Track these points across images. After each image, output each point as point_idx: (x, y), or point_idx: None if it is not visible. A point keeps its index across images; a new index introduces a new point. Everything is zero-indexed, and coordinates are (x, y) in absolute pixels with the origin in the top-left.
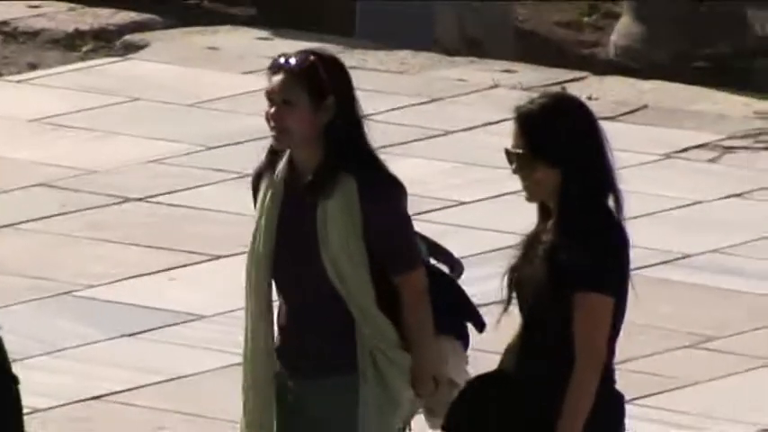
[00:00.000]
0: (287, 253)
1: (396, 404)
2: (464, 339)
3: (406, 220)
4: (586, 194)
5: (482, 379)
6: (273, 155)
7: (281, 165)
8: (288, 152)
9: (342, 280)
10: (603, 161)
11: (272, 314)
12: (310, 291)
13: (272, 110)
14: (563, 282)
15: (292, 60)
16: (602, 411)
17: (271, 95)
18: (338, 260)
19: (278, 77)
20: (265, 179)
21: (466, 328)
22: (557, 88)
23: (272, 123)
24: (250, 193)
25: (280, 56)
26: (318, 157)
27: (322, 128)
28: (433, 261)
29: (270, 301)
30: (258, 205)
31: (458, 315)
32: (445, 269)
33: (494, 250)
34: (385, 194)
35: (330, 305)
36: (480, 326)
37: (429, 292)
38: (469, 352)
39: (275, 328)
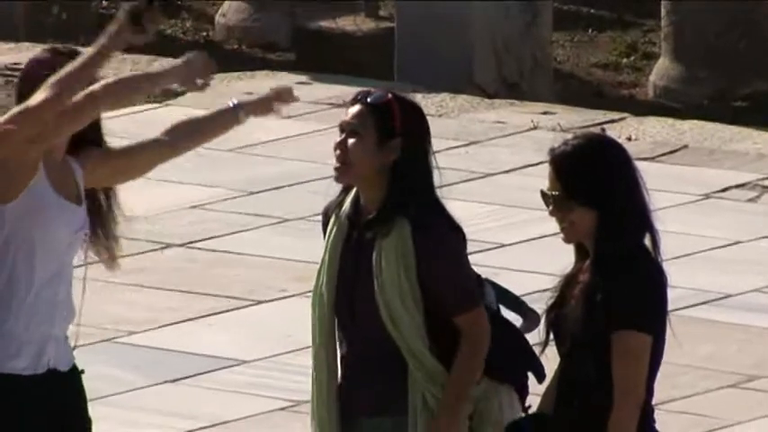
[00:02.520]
0: (346, 291)
1: None
2: (524, 390)
3: (461, 263)
4: (622, 234)
5: (521, 421)
6: (345, 192)
7: (348, 203)
8: (355, 190)
9: (393, 322)
10: (639, 201)
11: (336, 350)
12: (367, 329)
13: (339, 139)
14: (601, 322)
15: (371, 96)
16: None
17: (343, 124)
18: (391, 302)
19: (353, 109)
20: (333, 216)
21: (527, 377)
22: (596, 129)
23: (337, 152)
24: (292, 237)
25: (362, 90)
26: (382, 196)
27: (385, 167)
28: (502, 308)
29: (333, 337)
30: (324, 242)
31: (520, 365)
32: (513, 317)
33: (534, 292)
34: (439, 237)
35: (384, 345)
36: (540, 376)
37: (492, 340)
38: None
39: (337, 364)
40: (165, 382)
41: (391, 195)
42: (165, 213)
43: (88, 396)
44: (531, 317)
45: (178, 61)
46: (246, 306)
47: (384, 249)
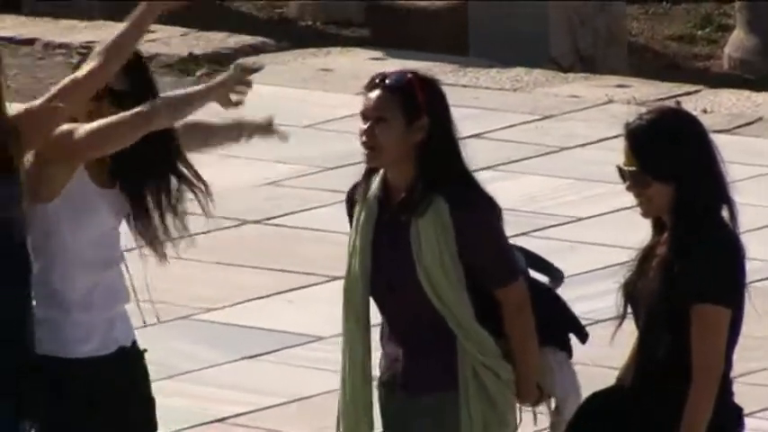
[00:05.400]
0: (384, 272)
1: (500, 417)
2: (567, 351)
3: (499, 235)
4: (700, 208)
5: (599, 395)
6: (369, 175)
7: (375, 184)
8: (382, 171)
9: (439, 297)
10: (716, 173)
11: (370, 334)
12: (409, 308)
13: (365, 126)
14: (678, 295)
15: (389, 78)
16: (719, 424)
17: (365, 112)
18: (434, 278)
19: (374, 94)
20: (360, 199)
21: (569, 339)
22: (671, 102)
23: (364, 139)
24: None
25: (377, 74)
26: (411, 175)
27: (414, 147)
28: (532, 272)
29: (368, 321)
30: (353, 226)
31: (560, 327)
32: (545, 279)
33: (610, 266)
34: (475, 212)
35: (429, 322)
36: (583, 337)
37: (532, 305)
38: (584, 367)
39: (371, 346)
40: (243, 358)
41: (423, 174)
42: (241, 190)
43: (164, 372)
44: (557, 276)
45: (214, 81)
46: (324, 282)
47: (422, 228)
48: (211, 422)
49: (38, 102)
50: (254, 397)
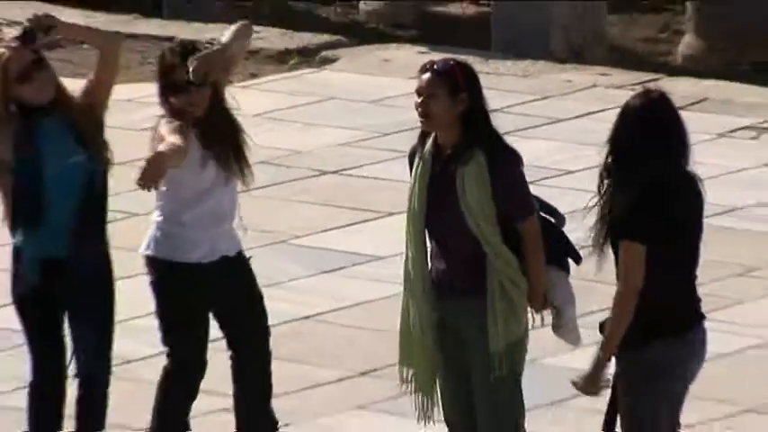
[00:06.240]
0: (436, 208)
1: (516, 316)
2: (565, 270)
3: (522, 180)
4: (630, 166)
5: None
6: (423, 137)
7: (429, 144)
8: (433, 134)
9: (477, 226)
10: (649, 141)
11: (427, 255)
12: (454, 235)
13: (420, 100)
14: (613, 231)
15: (437, 64)
16: (665, 325)
17: (419, 90)
18: (474, 210)
19: (426, 76)
20: (418, 154)
21: (567, 261)
22: (639, 88)
23: (420, 110)
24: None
25: (428, 61)
26: (456, 137)
27: (457, 115)
28: (543, 214)
29: (425, 246)
30: (413, 174)
31: (561, 252)
32: (551, 220)
33: (594, 206)
34: (506, 162)
35: (468, 244)
36: (577, 259)
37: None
38: (575, 281)
39: (428, 266)
40: (322, 272)
41: (465, 135)
42: (321, 149)
43: (268, 282)
44: (560, 218)
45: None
46: (382, 217)
47: (466, 174)
48: (300, 319)
49: (86, 81)
50: (331, 301)
